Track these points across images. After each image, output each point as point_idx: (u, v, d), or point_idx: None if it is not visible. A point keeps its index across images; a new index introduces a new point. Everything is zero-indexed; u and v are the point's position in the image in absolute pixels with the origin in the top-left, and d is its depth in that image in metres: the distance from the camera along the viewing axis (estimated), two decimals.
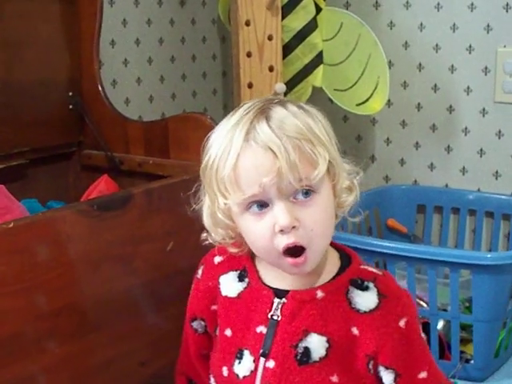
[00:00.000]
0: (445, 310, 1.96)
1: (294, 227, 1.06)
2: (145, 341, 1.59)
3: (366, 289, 1.13)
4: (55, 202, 1.87)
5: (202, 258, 1.24)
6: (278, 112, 1.08)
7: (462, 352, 1.94)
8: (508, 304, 1.93)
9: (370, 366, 1.12)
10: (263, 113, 1.08)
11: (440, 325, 1.96)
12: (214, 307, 1.20)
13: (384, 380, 1.12)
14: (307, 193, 1.07)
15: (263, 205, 1.07)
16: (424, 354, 1.14)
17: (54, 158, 1.97)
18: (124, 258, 1.53)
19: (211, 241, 1.16)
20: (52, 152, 1.95)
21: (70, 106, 1.96)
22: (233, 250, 1.17)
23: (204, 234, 1.17)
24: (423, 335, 1.15)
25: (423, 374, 1.13)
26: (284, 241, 1.06)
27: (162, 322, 1.59)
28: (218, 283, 1.19)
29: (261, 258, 1.16)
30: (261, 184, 1.04)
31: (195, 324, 1.23)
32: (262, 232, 1.07)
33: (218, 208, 1.10)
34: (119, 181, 1.89)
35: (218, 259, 1.21)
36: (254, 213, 1.07)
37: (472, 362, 1.94)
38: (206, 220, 1.14)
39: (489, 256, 1.90)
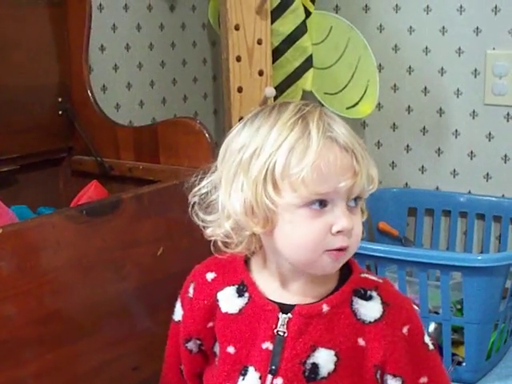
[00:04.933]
0: (437, 313, 1.96)
1: (350, 231, 1.07)
2: (137, 345, 1.59)
3: (369, 298, 1.12)
4: (45, 208, 1.86)
5: (189, 276, 1.21)
6: (337, 118, 1.10)
7: (453, 354, 1.95)
8: (499, 306, 1.93)
9: (378, 376, 1.11)
10: (326, 114, 1.09)
11: (431, 327, 1.97)
12: (210, 324, 1.17)
13: None
14: (357, 201, 1.09)
15: (324, 203, 1.06)
16: (426, 360, 1.13)
17: (44, 164, 1.96)
18: (114, 263, 1.53)
19: (214, 234, 1.13)
20: (42, 158, 1.95)
21: (60, 112, 1.96)
22: (227, 249, 1.14)
23: (210, 229, 1.14)
24: (428, 341, 1.14)
25: (423, 379, 1.13)
26: (339, 242, 1.07)
27: (153, 326, 1.59)
28: (216, 300, 1.16)
29: (260, 271, 1.15)
30: (338, 185, 1.05)
31: (190, 345, 1.20)
32: (317, 229, 1.06)
33: (265, 198, 1.07)
34: (110, 186, 1.89)
35: (210, 276, 1.18)
36: (313, 209, 1.06)
37: (464, 364, 1.94)
38: (239, 209, 1.09)
39: (479, 258, 1.90)
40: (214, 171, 1.15)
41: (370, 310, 1.12)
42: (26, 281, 1.37)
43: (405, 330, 1.11)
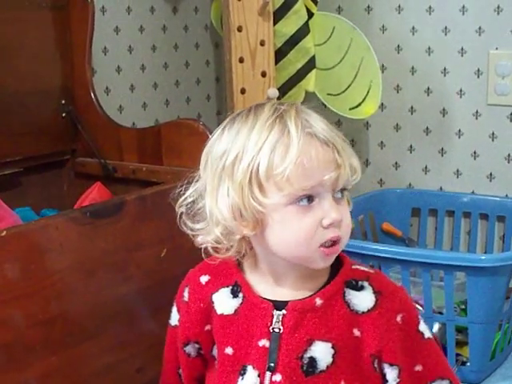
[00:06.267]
0: (441, 313, 1.96)
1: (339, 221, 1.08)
2: (141, 347, 1.59)
3: (361, 288, 1.14)
4: (49, 210, 1.87)
5: (183, 280, 1.22)
6: (314, 113, 1.11)
7: (457, 355, 1.94)
8: (503, 306, 1.93)
9: (375, 365, 1.12)
10: (304, 111, 1.10)
11: (436, 328, 1.96)
12: (207, 327, 1.18)
13: (388, 377, 1.13)
14: (343, 192, 1.10)
15: (311, 198, 1.07)
16: (420, 348, 1.14)
17: (47, 167, 1.97)
18: (118, 265, 1.53)
19: (203, 241, 1.14)
20: (45, 160, 1.95)
21: (63, 114, 1.96)
22: (218, 255, 1.15)
23: (200, 237, 1.15)
24: (424, 329, 1.15)
25: (418, 368, 1.14)
26: (330, 234, 1.08)
27: (157, 328, 1.59)
28: (212, 302, 1.17)
29: (252, 271, 1.16)
30: (322, 179, 1.06)
31: (188, 348, 1.20)
32: (308, 225, 1.07)
33: (252, 200, 1.08)
34: (113, 188, 1.89)
35: (204, 278, 1.19)
36: (301, 206, 1.07)
37: (468, 364, 1.94)
38: (227, 215, 1.09)
39: (483, 258, 1.90)
40: (197, 180, 1.16)
41: (363, 300, 1.13)
42: (30, 283, 1.37)
43: (399, 318, 1.12)
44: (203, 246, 1.16)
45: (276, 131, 1.07)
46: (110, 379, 1.54)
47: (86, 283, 1.47)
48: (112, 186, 1.90)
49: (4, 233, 1.33)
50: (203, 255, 1.18)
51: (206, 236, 1.14)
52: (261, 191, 1.07)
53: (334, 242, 1.09)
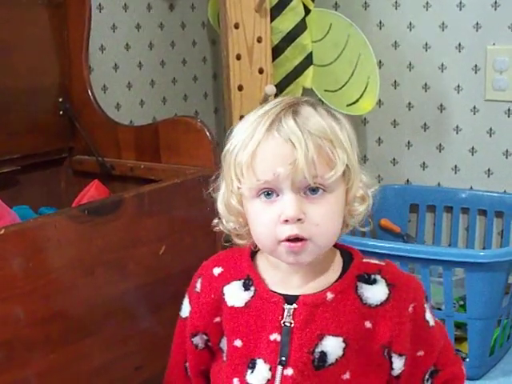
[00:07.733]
0: (440, 309, 1.96)
1: (299, 220, 1.07)
2: (140, 345, 1.60)
3: (374, 282, 1.13)
4: (47, 208, 1.86)
5: (196, 272, 1.23)
6: (305, 110, 1.10)
7: (457, 350, 1.94)
8: (502, 301, 1.93)
9: (385, 354, 1.13)
10: (291, 108, 1.10)
11: None
12: (217, 319, 1.18)
13: (394, 365, 1.14)
14: (319, 190, 1.08)
15: (274, 193, 1.08)
16: (426, 336, 1.15)
17: (45, 165, 1.97)
18: (116, 263, 1.53)
19: (222, 228, 1.17)
20: (43, 158, 1.95)
21: (61, 112, 1.96)
22: (239, 241, 1.17)
23: (215, 221, 1.18)
24: (429, 318, 1.15)
25: (420, 353, 1.14)
26: (287, 231, 1.07)
27: (156, 325, 1.59)
28: (223, 294, 1.17)
29: (265, 265, 1.17)
30: (275, 172, 1.06)
31: (196, 339, 1.20)
32: (267, 219, 1.08)
33: (232, 192, 1.12)
34: (111, 186, 1.89)
35: (217, 270, 1.19)
36: (263, 200, 1.09)
37: (467, 360, 1.94)
38: (220, 206, 1.15)
39: (482, 254, 1.90)
40: None
41: (376, 293, 1.13)
42: (29, 281, 1.37)
43: (410, 308, 1.13)
44: (224, 233, 1.19)
45: (253, 125, 1.10)
46: (109, 377, 1.54)
47: (85, 281, 1.47)
48: (110, 183, 1.90)
49: (2, 231, 1.33)
50: (222, 240, 1.21)
51: (220, 224, 1.17)
52: (236, 182, 1.11)
53: (297, 239, 1.08)
